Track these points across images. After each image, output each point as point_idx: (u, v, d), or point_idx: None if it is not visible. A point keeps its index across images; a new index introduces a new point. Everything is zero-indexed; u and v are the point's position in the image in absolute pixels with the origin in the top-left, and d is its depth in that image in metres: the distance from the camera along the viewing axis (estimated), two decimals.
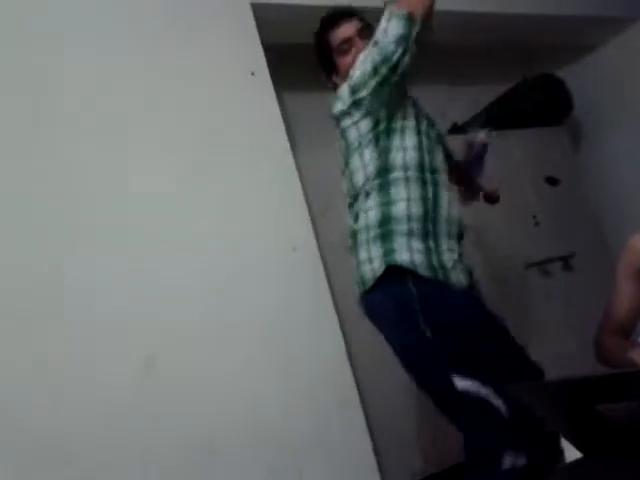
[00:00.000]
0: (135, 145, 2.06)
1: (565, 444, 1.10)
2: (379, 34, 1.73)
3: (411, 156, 1.75)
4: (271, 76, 2.38)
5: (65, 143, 1.94)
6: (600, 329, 1.54)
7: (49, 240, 1.85)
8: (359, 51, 1.80)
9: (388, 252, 1.68)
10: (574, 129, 3.96)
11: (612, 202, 3.68)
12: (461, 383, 1.59)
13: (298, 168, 2.34)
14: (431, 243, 1.71)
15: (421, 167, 1.76)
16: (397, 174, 1.74)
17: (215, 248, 2.10)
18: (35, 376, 1.73)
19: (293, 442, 2.04)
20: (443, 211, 1.77)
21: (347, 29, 1.87)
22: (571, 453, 1.02)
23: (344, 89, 1.80)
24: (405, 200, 1.71)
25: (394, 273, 1.67)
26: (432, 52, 3.44)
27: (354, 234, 1.80)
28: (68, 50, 2.03)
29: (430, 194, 1.75)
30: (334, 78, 1.92)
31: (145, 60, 2.18)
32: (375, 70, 1.71)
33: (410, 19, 1.70)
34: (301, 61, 3.14)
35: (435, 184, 1.77)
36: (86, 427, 1.75)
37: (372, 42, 1.74)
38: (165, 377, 1.90)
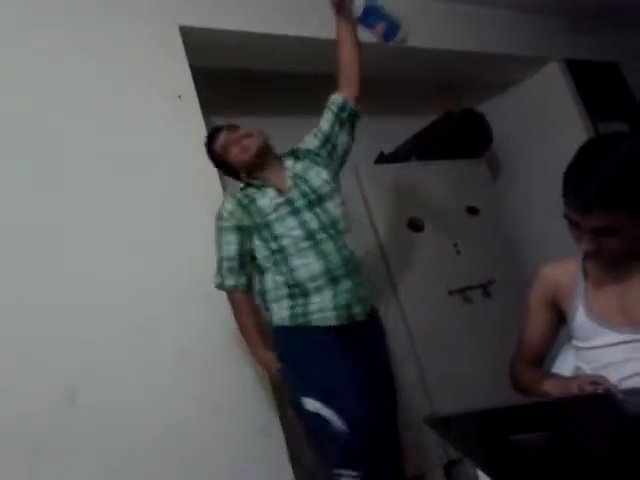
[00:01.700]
0: (52, 170, 2.00)
1: (480, 474, 1.11)
2: None
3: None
4: (200, 100, 2.36)
5: None
6: (514, 358, 1.58)
7: None
8: (234, 145, 2.08)
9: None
10: (493, 161, 4.13)
11: (527, 231, 3.85)
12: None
13: (225, 192, 2.32)
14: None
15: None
16: None
17: (135, 276, 2.06)
18: None
19: (213, 468, 2.00)
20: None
21: (218, 141, 2.11)
22: None
23: None
24: None
25: None
26: (363, 82, 3.55)
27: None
28: None
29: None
30: (242, 176, 2.13)
31: (65, 79, 2.11)
32: None
33: None
34: (232, 86, 3.16)
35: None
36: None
37: None
38: (85, 405, 1.84)
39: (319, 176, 2.09)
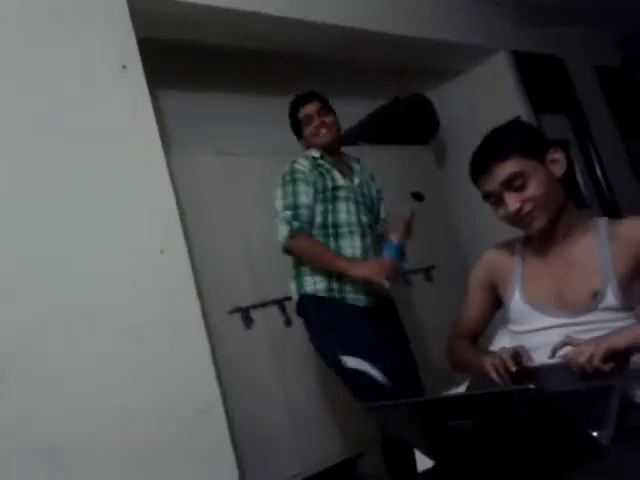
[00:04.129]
0: None
1: (418, 455, 1.16)
2: None
3: None
4: (145, 71, 2.29)
5: None
6: (452, 334, 1.64)
7: None
8: (319, 125, 2.41)
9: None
10: (439, 147, 4.20)
11: (470, 218, 3.94)
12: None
13: (170, 167, 2.27)
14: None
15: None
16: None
17: (79, 248, 1.99)
18: None
19: (154, 448, 1.97)
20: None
21: (309, 108, 2.43)
22: (424, 462, 1.07)
23: None
24: None
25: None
26: (308, 64, 3.54)
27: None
28: None
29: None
30: (301, 141, 2.51)
31: (5, 47, 2.01)
32: None
33: None
34: (178, 58, 3.08)
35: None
36: None
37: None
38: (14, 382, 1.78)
39: (376, 192, 2.53)
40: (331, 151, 2.43)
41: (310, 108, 2.43)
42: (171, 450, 2.01)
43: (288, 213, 2.24)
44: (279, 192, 2.31)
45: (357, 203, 2.36)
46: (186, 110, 3.12)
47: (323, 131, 2.40)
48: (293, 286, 2.34)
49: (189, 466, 2.03)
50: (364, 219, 2.36)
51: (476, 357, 1.44)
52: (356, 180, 2.43)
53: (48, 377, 1.85)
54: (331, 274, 2.25)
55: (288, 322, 2.84)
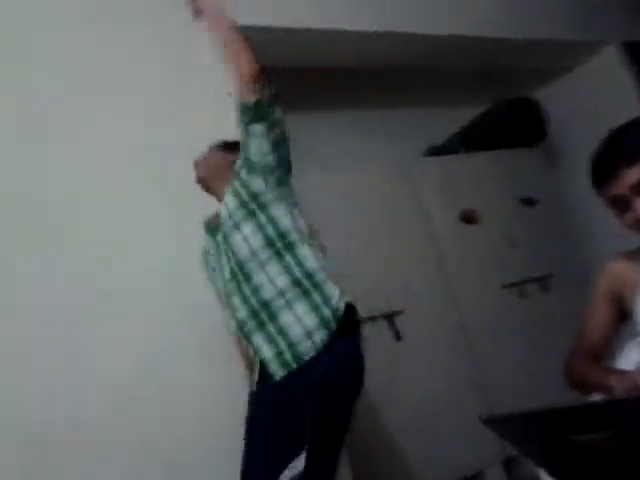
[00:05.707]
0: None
1: (541, 472, 1.07)
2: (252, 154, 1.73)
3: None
4: None
5: None
6: (572, 352, 1.52)
7: None
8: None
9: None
10: (550, 150, 4.00)
11: (589, 222, 3.69)
12: None
13: None
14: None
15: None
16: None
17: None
18: None
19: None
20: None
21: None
22: None
23: None
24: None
25: None
26: (404, 75, 3.51)
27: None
28: None
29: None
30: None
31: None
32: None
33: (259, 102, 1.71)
34: (283, 83, 3.16)
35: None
36: None
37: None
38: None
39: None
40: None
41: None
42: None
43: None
44: None
45: None
46: (292, 131, 3.19)
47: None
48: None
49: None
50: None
51: (603, 377, 1.31)
52: None
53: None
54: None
55: (398, 337, 2.80)
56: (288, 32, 2.58)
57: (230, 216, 1.75)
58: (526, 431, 0.90)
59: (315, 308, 1.67)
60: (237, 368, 1.94)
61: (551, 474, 0.97)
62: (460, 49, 3.23)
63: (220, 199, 1.83)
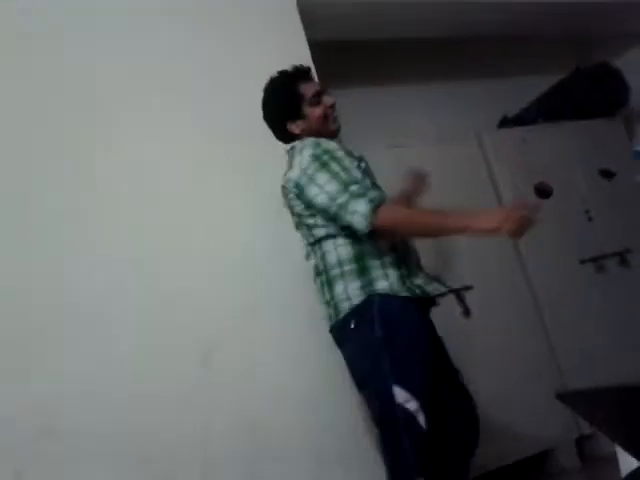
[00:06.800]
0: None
1: (618, 450, 1.06)
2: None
3: None
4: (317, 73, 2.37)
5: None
6: None
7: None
8: (325, 107, 1.89)
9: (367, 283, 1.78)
10: (629, 120, 3.82)
11: None
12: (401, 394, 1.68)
13: None
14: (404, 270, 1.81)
15: None
16: None
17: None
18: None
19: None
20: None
21: (318, 84, 1.97)
22: (626, 461, 0.99)
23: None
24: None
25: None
26: (478, 43, 3.41)
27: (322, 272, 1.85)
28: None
29: None
30: (294, 124, 1.90)
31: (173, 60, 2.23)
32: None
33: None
34: (347, 57, 3.15)
35: None
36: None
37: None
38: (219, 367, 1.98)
39: None
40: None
41: (317, 85, 1.94)
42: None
43: (354, 188, 1.70)
44: (319, 177, 1.74)
45: None
46: (357, 106, 3.18)
47: (335, 116, 1.91)
48: (354, 285, 1.77)
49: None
50: None
51: None
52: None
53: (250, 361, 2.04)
54: (399, 263, 1.80)
55: (467, 313, 2.78)
56: (363, 4, 2.57)
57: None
58: (604, 407, 0.90)
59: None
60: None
61: (628, 450, 0.96)
62: (537, 15, 3.11)
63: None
